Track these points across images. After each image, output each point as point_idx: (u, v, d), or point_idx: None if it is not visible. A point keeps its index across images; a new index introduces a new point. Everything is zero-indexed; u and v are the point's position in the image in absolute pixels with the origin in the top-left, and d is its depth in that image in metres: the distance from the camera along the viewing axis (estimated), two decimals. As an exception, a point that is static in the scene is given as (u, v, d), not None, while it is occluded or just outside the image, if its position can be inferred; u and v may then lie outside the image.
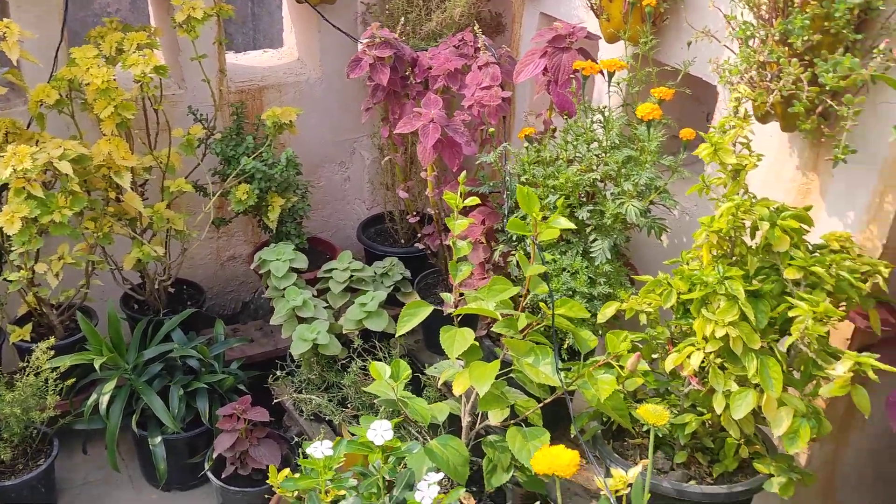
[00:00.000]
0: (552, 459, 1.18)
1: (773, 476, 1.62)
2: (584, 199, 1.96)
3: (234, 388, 2.32)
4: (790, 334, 1.41)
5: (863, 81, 1.54)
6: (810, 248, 1.57)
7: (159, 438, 2.27)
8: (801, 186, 1.82)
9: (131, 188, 2.20)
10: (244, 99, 2.67)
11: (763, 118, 1.69)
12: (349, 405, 2.15)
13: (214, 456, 2.19)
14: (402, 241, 2.80)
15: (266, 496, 2.03)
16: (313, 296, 2.24)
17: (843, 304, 1.62)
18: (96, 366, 2.19)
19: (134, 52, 2.14)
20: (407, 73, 2.28)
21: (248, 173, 2.38)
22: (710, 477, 1.71)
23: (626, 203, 1.82)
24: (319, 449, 1.55)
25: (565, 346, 1.91)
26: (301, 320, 2.18)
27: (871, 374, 1.35)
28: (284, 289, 2.22)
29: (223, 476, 2.18)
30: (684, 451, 1.73)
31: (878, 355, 1.39)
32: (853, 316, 1.72)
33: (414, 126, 2.01)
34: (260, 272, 2.37)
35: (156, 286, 2.51)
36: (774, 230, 1.46)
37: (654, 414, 1.18)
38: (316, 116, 2.82)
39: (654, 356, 1.78)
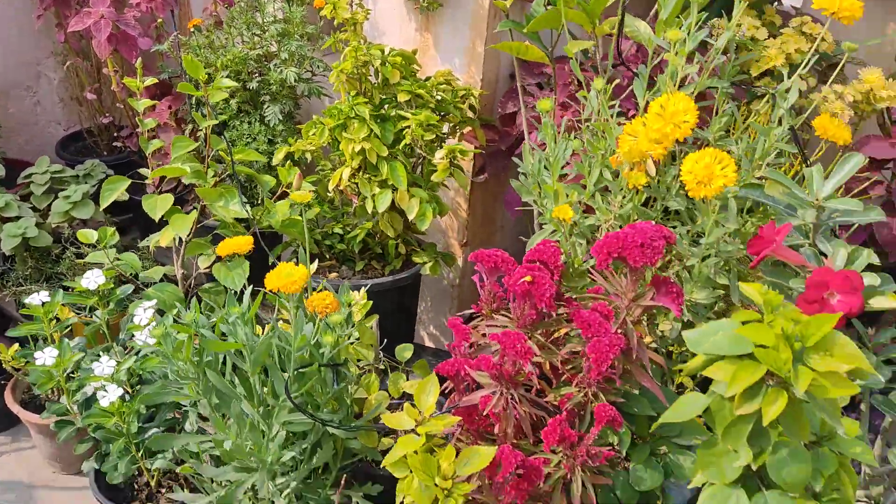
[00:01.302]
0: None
1: (425, 263, 2.15)
2: (256, 75, 2.30)
3: (-52, 302, 2.36)
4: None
5: (439, -49, 2.05)
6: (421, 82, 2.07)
7: None
8: (422, 44, 2.32)
9: None
10: None
11: (379, -12, 2.14)
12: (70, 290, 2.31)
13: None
14: (106, 153, 2.93)
15: (2, 382, 2.16)
16: (16, 200, 2.34)
17: (458, 125, 2.17)
18: None
19: None
20: (72, -22, 2.41)
21: (-80, 92, 2.36)
22: (384, 277, 2.19)
23: (286, 70, 2.20)
24: (37, 298, 1.76)
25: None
26: (6, 221, 2.27)
27: (459, 157, 1.88)
28: (-17, 196, 2.29)
29: (-48, 381, 2.24)
30: (362, 261, 2.19)
31: (465, 143, 1.93)
32: (468, 138, 2.29)
33: (86, 23, 2.18)
34: (-46, 189, 2.39)
35: None
36: (387, 67, 1.92)
37: (300, 196, 1.58)
38: (-11, 42, 2.81)
39: (329, 193, 2.21)
